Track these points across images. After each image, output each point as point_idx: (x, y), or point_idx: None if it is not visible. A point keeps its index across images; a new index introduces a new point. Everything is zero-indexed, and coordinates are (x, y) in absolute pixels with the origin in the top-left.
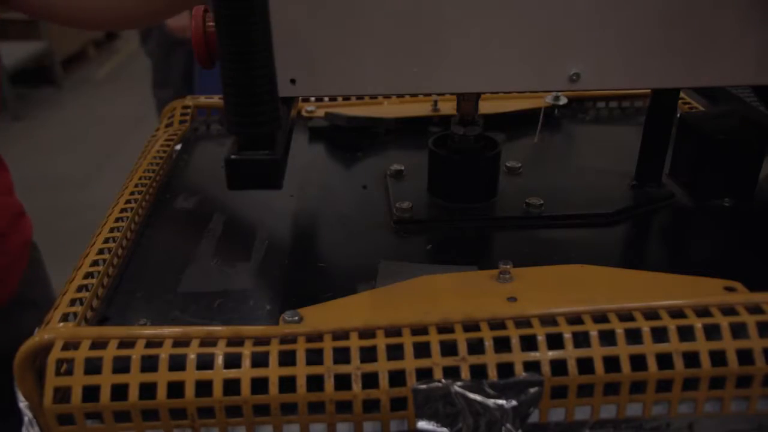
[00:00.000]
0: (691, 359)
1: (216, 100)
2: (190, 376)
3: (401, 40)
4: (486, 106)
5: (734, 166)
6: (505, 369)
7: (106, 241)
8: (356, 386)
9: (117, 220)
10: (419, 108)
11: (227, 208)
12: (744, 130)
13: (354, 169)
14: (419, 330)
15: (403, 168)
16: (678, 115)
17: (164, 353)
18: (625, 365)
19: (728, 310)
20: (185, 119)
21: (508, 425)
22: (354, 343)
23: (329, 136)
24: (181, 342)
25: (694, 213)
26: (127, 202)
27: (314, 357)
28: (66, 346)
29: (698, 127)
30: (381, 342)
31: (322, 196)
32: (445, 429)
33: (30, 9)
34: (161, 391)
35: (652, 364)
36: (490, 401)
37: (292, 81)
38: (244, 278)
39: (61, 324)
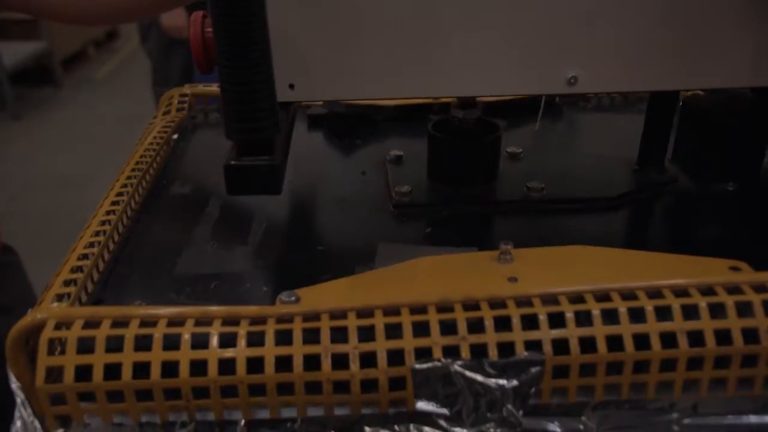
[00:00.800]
0: (696, 338)
1: (214, 88)
2: (185, 355)
3: (399, 45)
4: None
5: (738, 150)
6: (506, 348)
7: (102, 224)
8: (354, 366)
9: (113, 203)
10: None
11: (224, 193)
12: (747, 114)
13: (353, 156)
14: (418, 309)
15: (402, 153)
16: (680, 99)
17: (158, 333)
18: (629, 344)
19: (733, 289)
20: (183, 107)
21: (509, 406)
22: (352, 323)
23: (328, 124)
24: (176, 322)
25: (697, 197)
26: (123, 186)
27: (311, 336)
28: (58, 326)
29: (701, 111)
30: (379, 321)
31: (320, 182)
32: (444, 410)
33: (28, 8)
34: (155, 371)
35: (655, 343)
36: (491, 381)
37: (291, 86)
38: (241, 261)
39: (54, 304)
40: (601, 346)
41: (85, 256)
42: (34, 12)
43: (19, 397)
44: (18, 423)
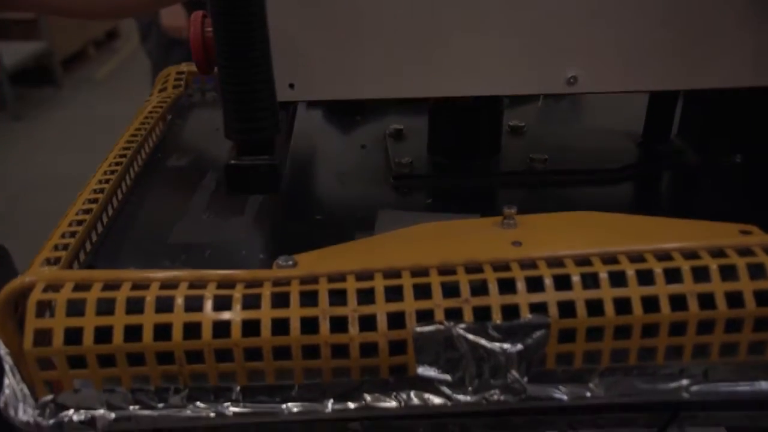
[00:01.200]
0: (706, 301)
1: None
2: (178, 318)
3: (398, 45)
4: None
5: (743, 122)
6: (510, 311)
7: (95, 192)
8: (353, 329)
9: (107, 173)
10: None
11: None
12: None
13: (352, 133)
14: (419, 272)
15: (402, 128)
16: None
17: (150, 296)
18: (637, 307)
19: (745, 251)
20: (179, 84)
21: (514, 371)
22: (351, 285)
23: (328, 102)
24: (169, 285)
25: (704, 169)
26: (118, 157)
27: (309, 300)
28: (47, 289)
29: None
30: (379, 284)
31: (320, 156)
32: (446, 375)
33: (29, 5)
34: (147, 334)
35: (665, 306)
36: (495, 345)
37: (291, 86)
38: (237, 230)
39: (44, 268)
40: (609, 309)
41: (78, 222)
42: (41, 8)
43: (8, 363)
44: (7, 391)
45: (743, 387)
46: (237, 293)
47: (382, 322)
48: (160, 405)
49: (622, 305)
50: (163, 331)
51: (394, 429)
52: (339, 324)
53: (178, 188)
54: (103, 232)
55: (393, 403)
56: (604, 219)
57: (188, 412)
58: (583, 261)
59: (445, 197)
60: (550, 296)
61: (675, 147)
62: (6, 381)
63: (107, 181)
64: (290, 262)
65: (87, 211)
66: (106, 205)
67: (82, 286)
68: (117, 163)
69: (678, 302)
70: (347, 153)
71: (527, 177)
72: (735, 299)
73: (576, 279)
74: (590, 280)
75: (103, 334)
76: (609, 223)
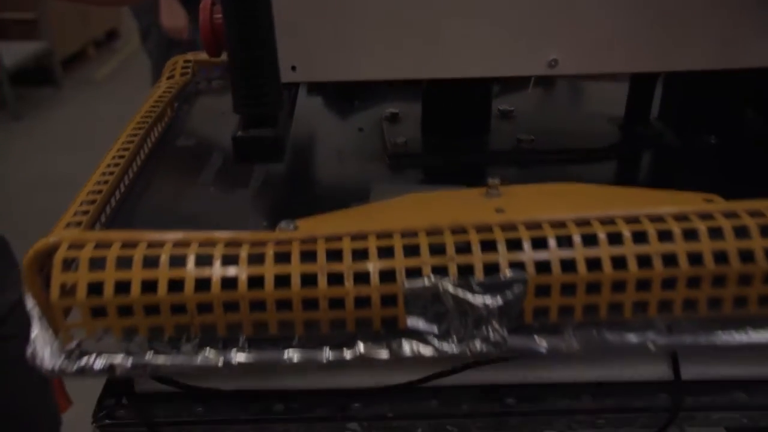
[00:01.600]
0: (670, 261)
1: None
2: (190, 273)
3: (392, 30)
4: None
5: (719, 105)
6: (492, 269)
7: (109, 166)
8: (348, 283)
9: (120, 150)
10: None
11: (227, 146)
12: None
13: (351, 116)
14: (409, 234)
15: (398, 111)
16: None
17: (165, 253)
18: (606, 266)
19: (706, 216)
20: (186, 72)
21: (495, 323)
22: (346, 245)
23: (327, 87)
24: (181, 244)
25: (680, 150)
26: (131, 135)
27: (308, 258)
28: (71, 248)
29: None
30: (372, 244)
31: (320, 137)
32: (433, 327)
33: None
34: (162, 287)
35: (632, 264)
36: (477, 299)
37: (293, 68)
38: (243, 201)
39: (68, 230)
40: (581, 267)
41: (95, 192)
42: None
43: (35, 315)
44: (34, 341)
45: (703, 340)
46: (243, 252)
47: (374, 277)
48: (174, 353)
49: (593, 264)
50: (176, 285)
51: (394, 429)
52: (335, 279)
53: (187, 164)
54: (118, 201)
55: (385, 353)
56: (581, 188)
57: (198, 360)
58: (558, 224)
59: (437, 174)
60: (528, 256)
61: (654, 129)
62: (33, 333)
63: (121, 157)
64: (291, 226)
65: (103, 182)
66: (120, 177)
67: (102, 245)
68: (129, 142)
69: (644, 261)
70: (345, 135)
71: (514, 156)
72: (695, 259)
73: (551, 240)
74: (565, 242)
75: (122, 287)
76: (585, 192)
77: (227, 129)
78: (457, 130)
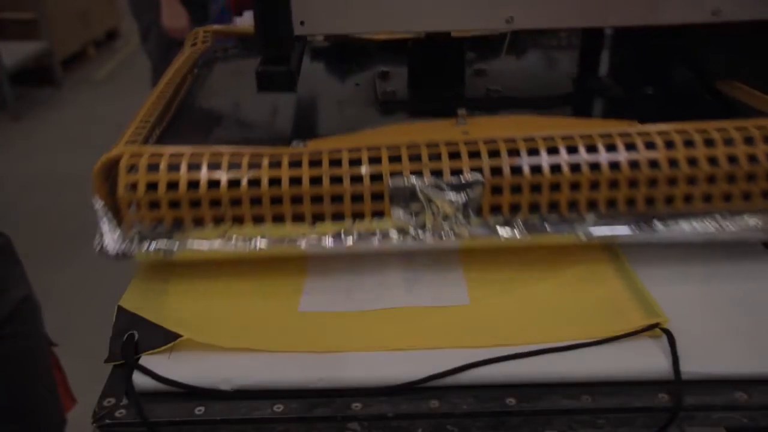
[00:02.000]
0: (595, 167)
1: (231, 28)
2: (224, 175)
3: None
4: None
5: (655, 62)
6: (457, 173)
7: (153, 104)
8: (346, 183)
9: (159, 96)
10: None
11: (246, 96)
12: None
13: (350, 76)
14: (393, 147)
15: (388, 70)
16: None
17: (205, 161)
18: (546, 170)
19: (624, 134)
20: (207, 40)
21: (459, 216)
22: (345, 155)
23: (328, 54)
24: (216, 154)
25: (622, 98)
26: (167, 85)
27: (315, 165)
28: (132, 158)
29: (627, 33)
30: (364, 154)
31: (323, 90)
32: (412, 219)
33: None
34: (203, 186)
35: (566, 170)
36: (446, 196)
37: (302, 23)
38: (261, 133)
39: (127, 145)
40: (526, 171)
41: (144, 121)
42: None
43: (101, 214)
44: (101, 234)
45: (620, 231)
46: (265, 160)
47: (366, 179)
48: (211, 239)
49: (536, 169)
50: (213, 184)
51: (394, 429)
52: (336, 180)
53: (214, 105)
54: (161, 129)
55: (375, 241)
56: (531, 119)
57: (231, 246)
58: (509, 140)
59: (418, 114)
60: (485, 162)
61: (602, 82)
62: (100, 229)
63: (159, 102)
64: (302, 144)
65: (149, 116)
66: (162, 112)
67: (156, 155)
68: (165, 90)
69: (575, 168)
70: (345, 89)
71: (484, 102)
72: (615, 166)
73: (503, 152)
74: (514, 153)
75: (171, 186)
76: (534, 121)
77: (241, 83)
78: (437, 83)
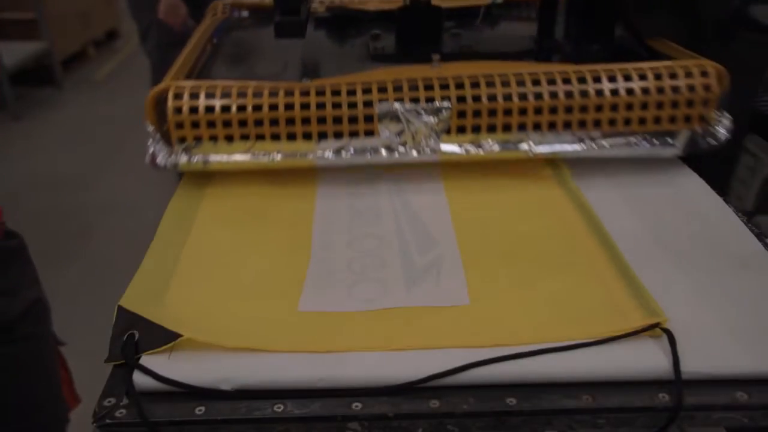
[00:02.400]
0: (539, 96)
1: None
2: (249, 101)
3: None
4: (445, 2)
5: (601, 24)
6: (431, 100)
7: (188, 55)
8: (344, 107)
9: (191, 51)
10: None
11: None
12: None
13: (347, 40)
14: (381, 82)
15: (379, 33)
16: None
17: (234, 91)
18: (500, 98)
19: (562, 72)
20: (225, 11)
21: (433, 136)
22: (343, 87)
23: (329, 22)
24: (243, 86)
25: (572, 53)
26: (196, 43)
27: (320, 94)
28: (177, 89)
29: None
30: (359, 86)
31: (325, 51)
32: (396, 138)
33: None
34: (233, 110)
35: (515, 98)
36: (422, 118)
37: None
38: (276, 77)
39: (172, 81)
40: (484, 99)
41: (183, 65)
42: None
43: (153, 135)
44: (152, 150)
45: (558, 148)
46: (281, 90)
47: (360, 104)
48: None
49: (492, 98)
50: (241, 109)
51: (393, 429)
52: (337, 106)
53: (236, 59)
54: (197, 72)
55: (368, 155)
56: (491, 64)
57: (249, 156)
58: (472, 77)
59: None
60: (452, 93)
61: (557, 42)
62: (151, 147)
63: (191, 56)
64: (309, 80)
65: (186, 62)
66: (196, 57)
67: (196, 87)
68: (194, 48)
69: (523, 97)
70: (344, 48)
71: (456, 55)
72: (554, 95)
73: (467, 85)
74: (475, 86)
75: (209, 110)
76: (494, 65)
77: (258, 45)
78: (418, 41)
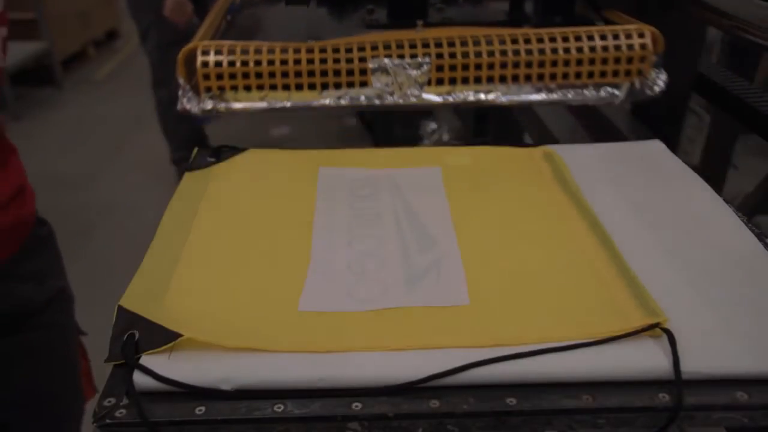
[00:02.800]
0: (504, 53)
1: None
2: (264, 57)
3: None
4: None
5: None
6: (414, 56)
7: (207, 29)
8: (342, 61)
9: (213, 16)
10: None
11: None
12: None
13: (345, 14)
14: (373, 41)
15: (373, 8)
16: None
17: (252, 47)
18: (471, 54)
19: (524, 34)
20: None
21: (416, 86)
22: (342, 45)
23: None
24: (259, 45)
25: (537, 22)
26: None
27: (323, 51)
28: (204, 46)
29: None
30: (354, 45)
31: (324, 21)
32: (386, 87)
33: None
34: (251, 63)
35: (485, 55)
36: (408, 71)
37: None
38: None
39: (200, 41)
40: (459, 55)
41: (207, 29)
42: None
43: (184, 87)
44: (184, 99)
45: (524, 97)
46: (290, 48)
47: (356, 59)
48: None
49: (465, 55)
50: (258, 62)
51: (394, 429)
52: (336, 61)
53: (249, 28)
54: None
55: (363, 97)
56: (467, 28)
57: (264, 103)
58: (449, 36)
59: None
60: (432, 50)
61: (526, 14)
62: (182, 96)
63: (212, 25)
64: (312, 41)
65: (206, 36)
66: (218, 24)
67: (220, 45)
68: (213, 22)
69: (491, 53)
70: (342, 21)
71: (439, 25)
72: (516, 53)
73: (444, 44)
74: (451, 45)
75: (231, 63)
76: (468, 29)
77: (268, 18)
78: (407, 14)
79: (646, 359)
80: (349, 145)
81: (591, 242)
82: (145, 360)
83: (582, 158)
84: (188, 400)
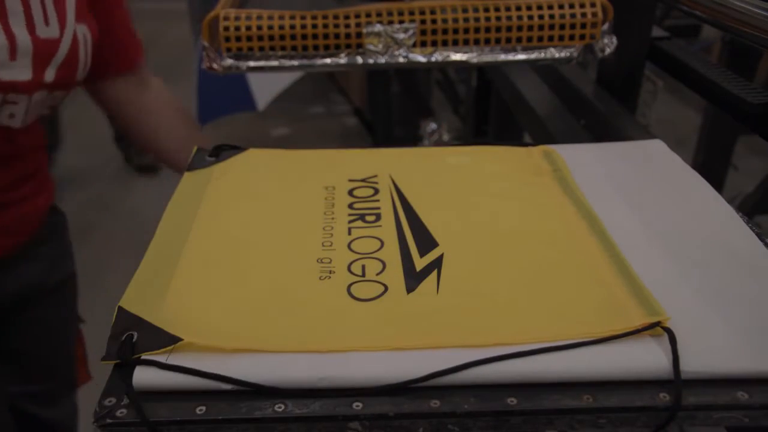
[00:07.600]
0: (477, 20)
1: None
2: (276, 22)
3: None
4: None
5: None
6: (402, 22)
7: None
8: (341, 27)
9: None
10: None
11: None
12: None
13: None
14: (368, 11)
15: None
16: None
17: (265, 15)
18: (450, 21)
19: (495, 4)
20: None
21: (404, 48)
22: (341, 14)
23: None
24: (273, 12)
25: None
26: None
27: (324, 18)
28: (227, 12)
29: None
30: (352, 14)
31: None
32: (378, 47)
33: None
34: (275, 27)
35: (461, 20)
36: (395, 35)
37: None
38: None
39: (223, 8)
40: (439, 22)
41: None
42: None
43: (208, 49)
44: (209, 61)
45: (503, 58)
46: (298, 15)
47: (353, 24)
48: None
49: (444, 21)
50: (270, 27)
51: (394, 428)
52: (336, 26)
53: (262, 3)
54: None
55: (359, 58)
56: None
57: (277, 63)
58: (432, 7)
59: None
60: (417, 17)
61: None
62: (206, 57)
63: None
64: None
65: (225, 5)
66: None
67: (239, 12)
68: None
69: (466, 20)
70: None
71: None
72: (488, 19)
73: (428, 12)
74: (437, 12)
75: (249, 28)
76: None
77: None
78: None
79: (647, 358)
80: (349, 145)
81: (591, 241)
82: (145, 360)
83: (582, 158)
84: (189, 400)
